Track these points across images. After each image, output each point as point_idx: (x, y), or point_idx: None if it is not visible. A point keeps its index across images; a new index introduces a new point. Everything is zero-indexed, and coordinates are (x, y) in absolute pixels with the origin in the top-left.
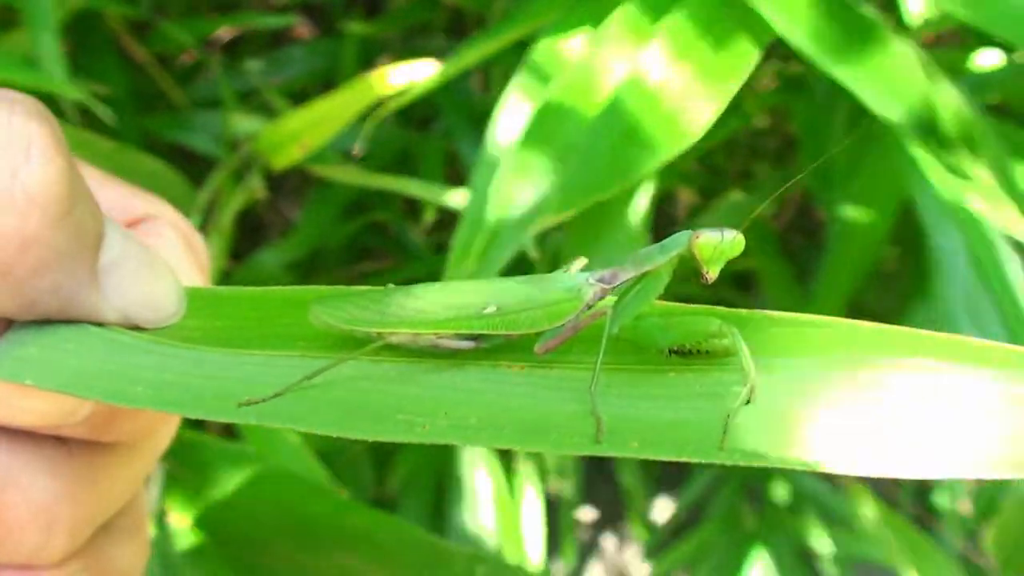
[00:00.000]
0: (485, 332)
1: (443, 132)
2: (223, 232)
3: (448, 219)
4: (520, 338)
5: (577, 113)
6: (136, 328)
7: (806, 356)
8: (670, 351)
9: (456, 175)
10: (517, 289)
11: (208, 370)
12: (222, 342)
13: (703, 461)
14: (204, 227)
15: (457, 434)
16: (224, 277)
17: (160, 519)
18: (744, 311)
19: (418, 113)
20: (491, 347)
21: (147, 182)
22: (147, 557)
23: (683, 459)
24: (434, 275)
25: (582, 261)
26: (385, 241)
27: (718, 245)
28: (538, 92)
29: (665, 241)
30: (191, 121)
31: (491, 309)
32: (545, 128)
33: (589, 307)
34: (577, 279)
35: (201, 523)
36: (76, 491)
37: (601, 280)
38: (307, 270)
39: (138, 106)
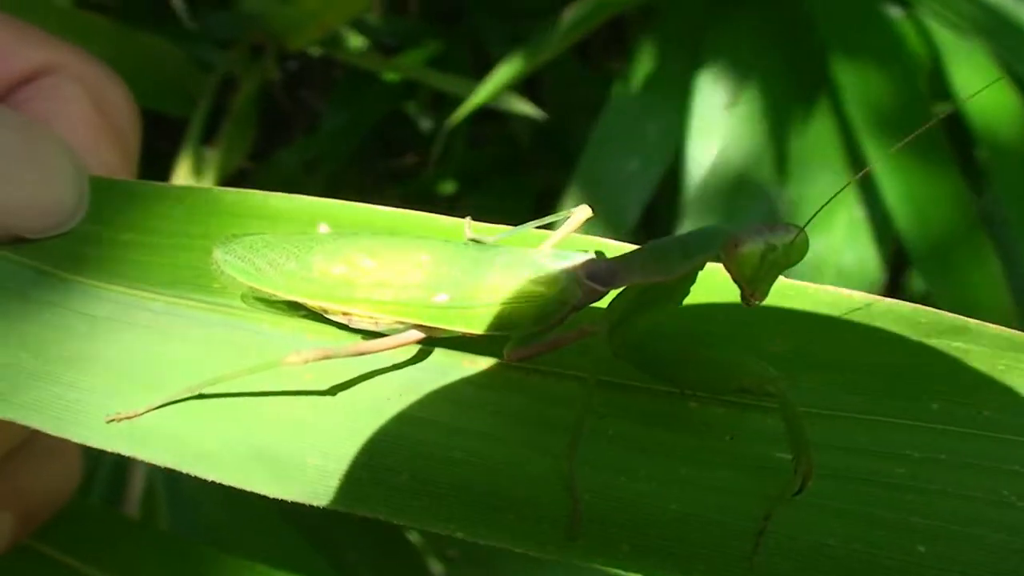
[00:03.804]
0: (435, 325)
1: (471, 28)
2: (239, 120)
3: (479, 117)
4: (481, 337)
5: None
6: (20, 241)
7: (926, 396)
8: (683, 393)
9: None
10: (480, 273)
11: (83, 345)
12: (121, 270)
13: None
14: (217, 115)
15: (379, 500)
16: (241, 178)
17: None
18: (857, 296)
19: (444, 7)
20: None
21: (150, 66)
22: (75, 479)
23: None
24: (469, 175)
25: (585, 212)
26: (413, 137)
27: (767, 255)
28: None
29: (689, 238)
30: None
31: (443, 298)
32: None
33: (576, 309)
34: (563, 270)
35: None
36: None
37: (594, 277)
38: (331, 172)
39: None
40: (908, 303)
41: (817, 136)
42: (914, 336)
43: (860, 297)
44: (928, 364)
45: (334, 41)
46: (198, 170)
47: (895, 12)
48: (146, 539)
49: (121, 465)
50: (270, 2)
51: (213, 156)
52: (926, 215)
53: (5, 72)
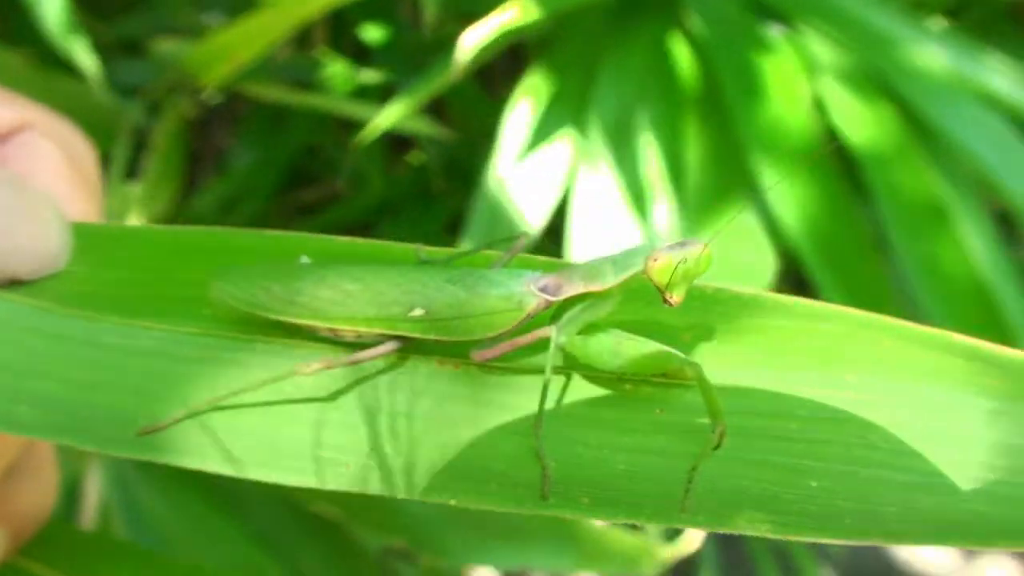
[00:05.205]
0: (412, 335)
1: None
2: (162, 159)
3: (397, 143)
4: (452, 343)
5: None
6: (16, 283)
7: (806, 368)
8: (620, 378)
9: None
10: (449, 290)
11: (99, 372)
12: (115, 305)
13: (663, 525)
14: (137, 157)
15: (385, 482)
16: (167, 221)
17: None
18: (746, 292)
19: (355, 42)
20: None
21: (67, 106)
22: (54, 497)
23: (641, 522)
24: (383, 205)
25: (525, 238)
26: (327, 169)
27: (679, 267)
28: None
29: (619, 256)
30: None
31: (418, 312)
32: None
33: (530, 317)
34: (518, 285)
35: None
36: None
37: (544, 290)
38: (245, 206)
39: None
40: (788, 296)
41: (709, 160)
42: (792, 322)
43: (750, 293)
44: (807, 343)
45: (244, 78)
46: (123, 209)
47: (776, 31)
48: (105, 548)
49: (75, 481)
50: (182, 44)
51: (136, 194)
52: (819, 229)
53: None
